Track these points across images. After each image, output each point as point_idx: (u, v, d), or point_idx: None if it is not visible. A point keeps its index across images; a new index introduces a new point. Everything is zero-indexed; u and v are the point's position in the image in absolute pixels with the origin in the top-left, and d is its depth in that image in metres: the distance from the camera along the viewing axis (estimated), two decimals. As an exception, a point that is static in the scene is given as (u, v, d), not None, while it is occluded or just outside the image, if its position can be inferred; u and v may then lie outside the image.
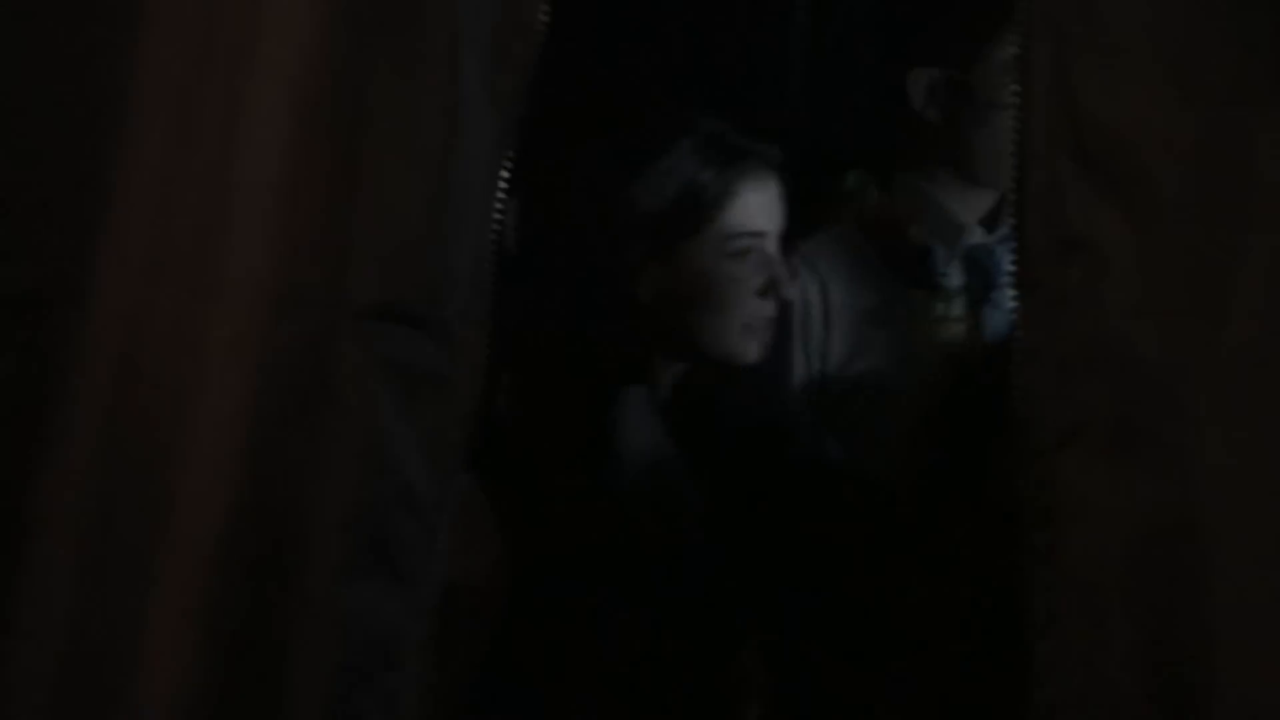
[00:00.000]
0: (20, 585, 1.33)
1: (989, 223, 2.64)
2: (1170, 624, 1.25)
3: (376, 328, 1.36)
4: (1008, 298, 2.55)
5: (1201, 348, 1.24)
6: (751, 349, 2.07)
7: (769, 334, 2.11)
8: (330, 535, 1.34)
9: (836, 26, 2.84)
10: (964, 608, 1.50)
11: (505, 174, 1.42)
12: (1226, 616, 1.23)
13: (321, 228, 1.38)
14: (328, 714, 1.30)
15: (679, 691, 1.86)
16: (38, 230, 1.37)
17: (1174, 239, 1.25)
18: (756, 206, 2.08)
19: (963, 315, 2.65)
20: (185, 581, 1.35)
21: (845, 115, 2.79)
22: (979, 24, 2.53)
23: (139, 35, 1.39)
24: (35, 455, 1.34)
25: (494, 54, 1.37)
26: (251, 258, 1.40)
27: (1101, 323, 1.26)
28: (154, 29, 1.39)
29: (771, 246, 2.07)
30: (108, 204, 1.36)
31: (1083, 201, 1.27)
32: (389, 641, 1.36)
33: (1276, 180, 1.21)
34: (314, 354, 1.36)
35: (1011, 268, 1.31)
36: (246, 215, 1.40)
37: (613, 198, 1.97)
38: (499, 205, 1.43)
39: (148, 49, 1.41)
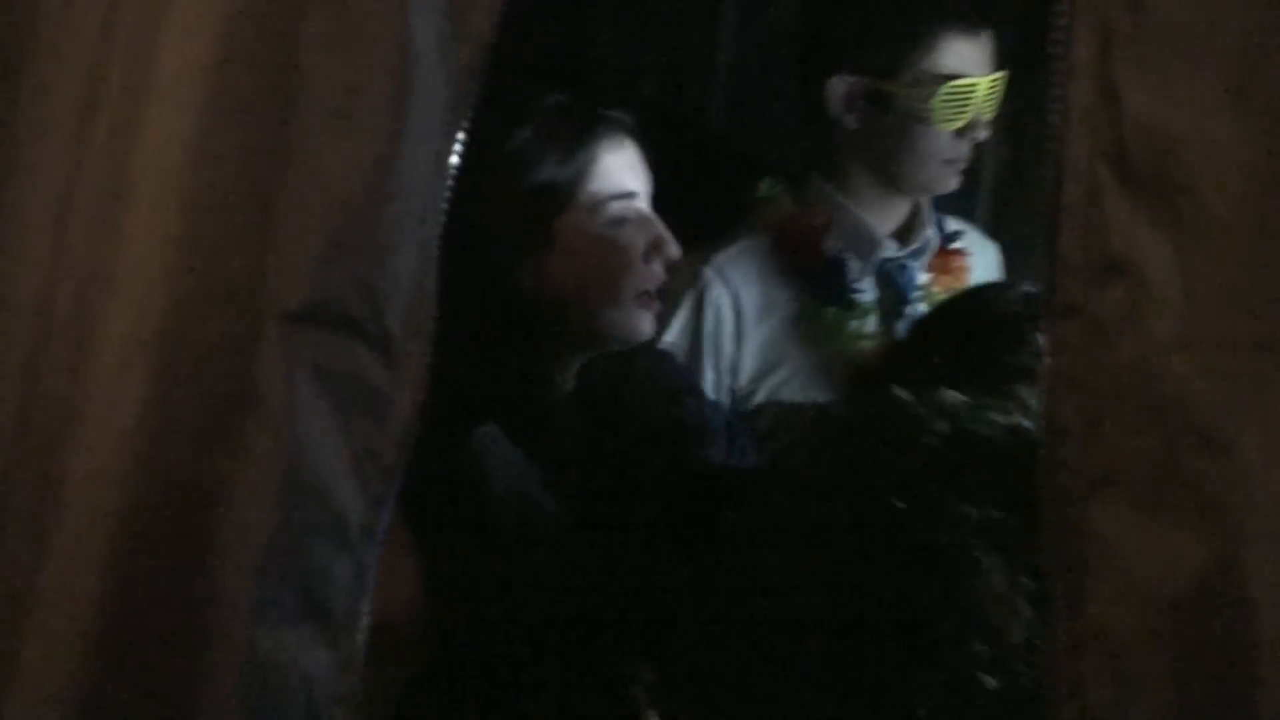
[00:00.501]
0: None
1: (903, 236, 2.54)
2: (1208, 701, 1.12)
3: (304, 332, 1.19)
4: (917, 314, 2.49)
5: (1250, 386, 1.11)
6: (647, 322, 1.99)
7: (660, 306, 2.03)
8: (246, 569, 1.16)
9: (757, 32, 2.75)
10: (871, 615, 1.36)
11: (456, 159, 1.24)
12: (1273, 695, 1.10)
13: (241, 213, 1.19)
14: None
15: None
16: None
17: (1223, 263, 1.12)
18: (618, 168, 1.97)
19: (875, 332, 2.55)
20: (73, 599, 1.21)
21: (762, 121, 2.71)
22: (901, 33, 2.44)
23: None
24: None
25: (451, 19, 1.20)
26: (154, 248, 1.21)
27: (1142, 356, 1.13)
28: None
29: (645, 206, 1.94)
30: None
31: (1124, 218, 1.13)
32: (310, 697, 1.18)
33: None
34: (231, 360, 1.19)
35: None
36: (153, 198, 1.21)
37: (473, 191, 1.85)
38: (446, 195, 1.25)
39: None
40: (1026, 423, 1.32)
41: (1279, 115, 1.12)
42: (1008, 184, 2.74)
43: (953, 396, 1.35)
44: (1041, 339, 1.17)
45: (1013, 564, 1.28)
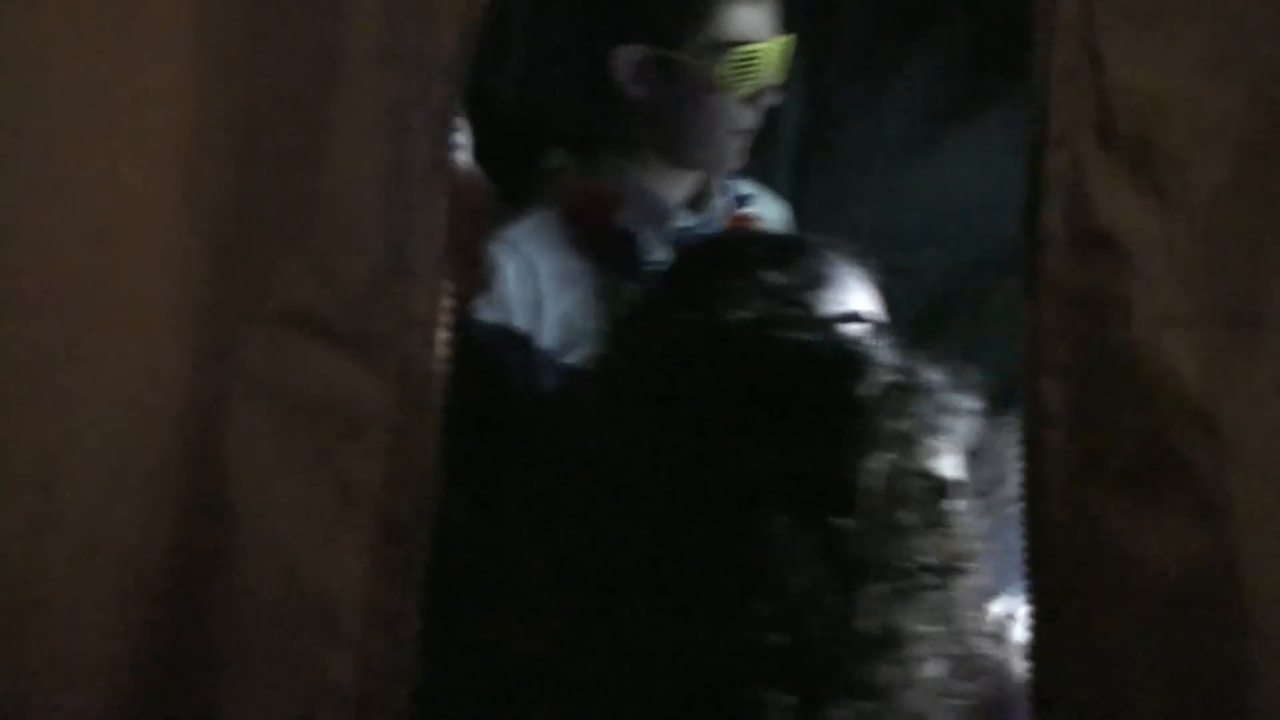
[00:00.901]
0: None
1: (696, 204, 2.48)
2: (1199, 698, 1.07)
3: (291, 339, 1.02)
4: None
5: (1237, 363, 1.06)
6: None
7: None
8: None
9: (542, 3, 2.65)
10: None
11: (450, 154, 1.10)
12: (1267, 689, 1.05)
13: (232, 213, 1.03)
14: None
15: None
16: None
17: (1208, 234, 1.07)
18: None
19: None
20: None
21: (549, 93, 2.61)
22: (686, 1, 2.38)
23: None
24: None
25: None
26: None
27: (1128, 334, 1.07)
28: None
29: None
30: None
31: (1108, 188, 1.07)
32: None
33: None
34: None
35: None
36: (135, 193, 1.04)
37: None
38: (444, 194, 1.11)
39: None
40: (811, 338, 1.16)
41: (1266, 79, 1.07)
42: (809, 151, 2.69)
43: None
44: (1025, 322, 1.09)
45: (795, 510, 1.15)
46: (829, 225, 2.53)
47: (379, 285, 1.04)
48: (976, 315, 2.46)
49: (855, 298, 1.70)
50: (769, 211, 2.56)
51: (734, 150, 2.43)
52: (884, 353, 1.10)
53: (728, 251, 1.80)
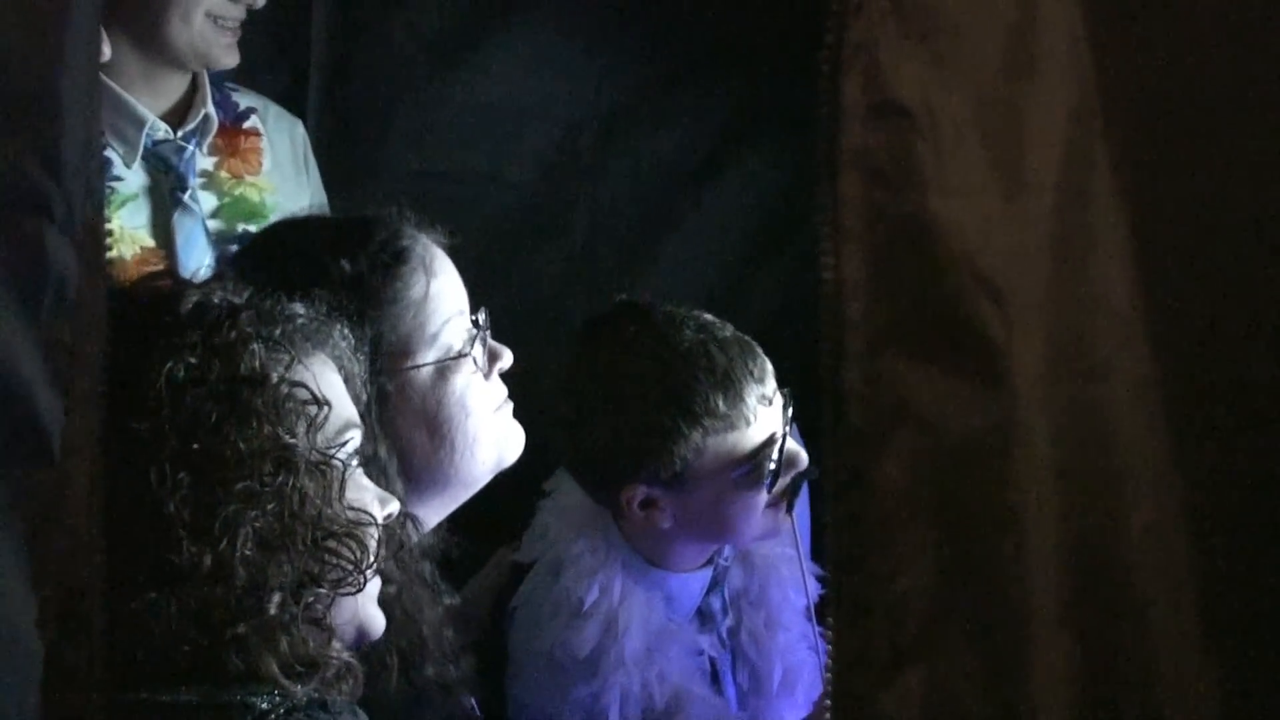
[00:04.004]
0: None
1: (179, 116, 2.30)
2: (965, 561, 1.11)
3: None
4: (198, 200, 2.27)
5: (1012, 229, 1.10)
6: None
7: None
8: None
9: None
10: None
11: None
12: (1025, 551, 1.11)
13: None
14: None
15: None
16: None
17: (981, 105, 1.10)
18: None
19: (146, 224, 2.28)
20: None
21: None
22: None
23: None
24: None
25: None
26: None
27: (920, 203, 1.08)
28: None
29: None
30: None
31: (898, 56, 1.08)
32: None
33: (1060, 29, 1.10)
34: None
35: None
36: None
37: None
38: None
39: None
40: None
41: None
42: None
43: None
44: (823, 194, 1.08)
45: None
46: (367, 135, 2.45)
47: None
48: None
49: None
50: (277, 127, 2.40)
51: (219, 44, 2.25)
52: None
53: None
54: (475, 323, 1.67)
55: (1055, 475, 1.13)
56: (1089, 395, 1.13)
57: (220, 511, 1.16)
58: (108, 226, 2.15)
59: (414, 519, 1.51)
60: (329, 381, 1.29)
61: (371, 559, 1.24)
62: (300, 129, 2.44)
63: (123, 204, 2.27)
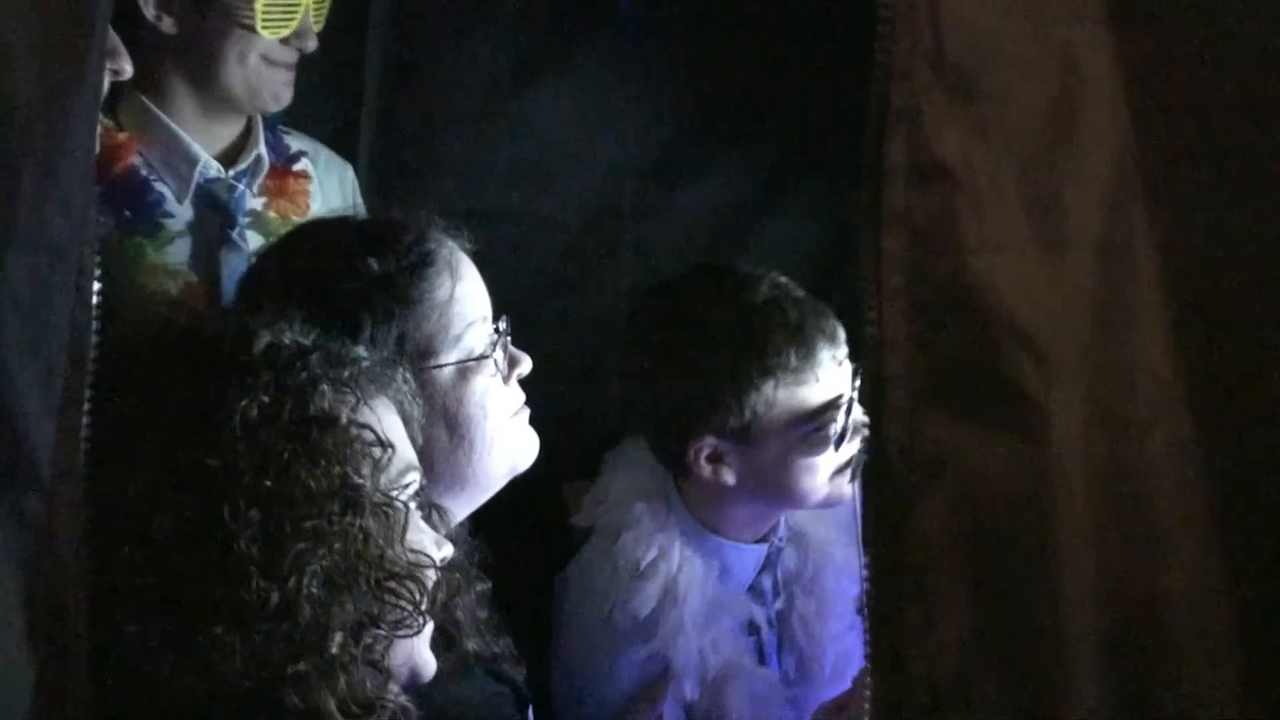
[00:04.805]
0: None
1: (232, 156, 2.33)
2: (1007, 616, 1.13)
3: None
4: (245, 239, 2.29)
5: (1047, 284, 1.13)
6: None
7: None
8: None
9: None
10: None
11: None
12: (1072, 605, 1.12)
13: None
14: None
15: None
16: None
17: (1023, 165, 1.12)
18: None
19: (187, 260, 2.30)
20: None
21: None
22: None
23: None
24: None
25: None
26: None
27: (960, 261, 1.10)
28: None
29: None
30: None
31: (943, 120, 1.10)
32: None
33: (1102, 94, 1.12)
34: None
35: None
36: None
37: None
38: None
39: None
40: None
41: (1062, 22, 1.13)
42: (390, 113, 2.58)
43: None
44: (866, 251, 1.11)
45: None
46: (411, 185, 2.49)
47: None
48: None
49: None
50: (327, 171, 2.43)
51: (273, 85, 2.29)
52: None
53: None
54: (497, 329, 1.72)
55: (1093, 531, 1.14)
56: (1127, 453, 1.15)
57: (289, 549, 1.18)
58: (163, 262, 2.22)
59: (440, 509, 1.54)
60: (391, 424, 1.32)
61: (429, 603, 1.26)
62: (350, 173, 2.47)
63: (171, 240, 2.30)
